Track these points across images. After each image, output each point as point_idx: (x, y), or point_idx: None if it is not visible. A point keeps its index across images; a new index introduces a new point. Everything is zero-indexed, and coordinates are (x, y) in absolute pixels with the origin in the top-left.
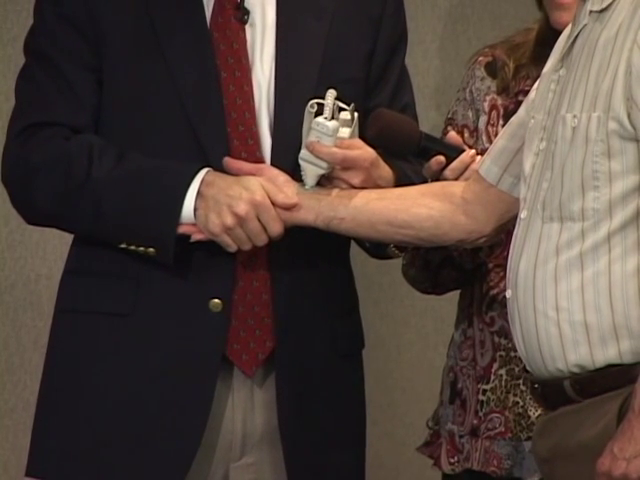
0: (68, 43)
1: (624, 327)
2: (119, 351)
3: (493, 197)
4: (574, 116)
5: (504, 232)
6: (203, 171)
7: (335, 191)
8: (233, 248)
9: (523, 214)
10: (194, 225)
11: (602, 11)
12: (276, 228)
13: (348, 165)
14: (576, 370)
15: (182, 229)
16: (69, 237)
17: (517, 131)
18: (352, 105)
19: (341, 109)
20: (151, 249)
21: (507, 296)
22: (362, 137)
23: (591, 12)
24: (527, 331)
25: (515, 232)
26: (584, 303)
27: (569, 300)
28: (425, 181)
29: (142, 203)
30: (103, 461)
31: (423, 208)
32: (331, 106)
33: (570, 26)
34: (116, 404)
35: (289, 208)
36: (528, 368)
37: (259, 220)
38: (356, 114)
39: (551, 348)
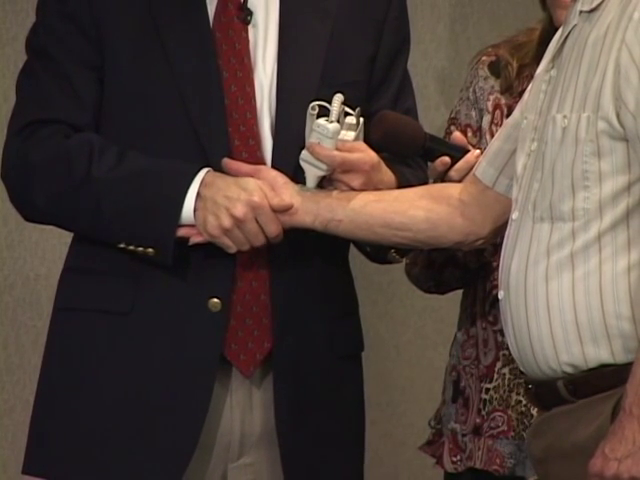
0: (70, 41)
1: (615, 327)
2: (117, 349)
3: (489, 199)
4: (564, 116)
5: (502, 234)
6: (202, 172)
7: (334, 193)
8: (232, 249)
9: (515, 215)
10: (193, 227)
11: (591, 11)
12: (274, 230)
13: (347, 168)
14: (569, 370)
15: (182, 232)
16: (68, 237)
17: (512, 132)
18: (357, 110)
19: (347, 114)
20: (150, 250)
21: (499, 297)
22: (366, 140)
23: (581, 12)
24: (519, 331)
25: (507, 233)
26: (575, 303)
27: (560, 300)
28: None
29: (142, 204)
30: (100, 460)
31: (420, 210)
32: (337, 110)
33: (562, 27)
34: (113, 402)
35: (284, 211)
36: (521, 369)
37: (257, 221)
38: (362, 119)
39: (543, 348)
